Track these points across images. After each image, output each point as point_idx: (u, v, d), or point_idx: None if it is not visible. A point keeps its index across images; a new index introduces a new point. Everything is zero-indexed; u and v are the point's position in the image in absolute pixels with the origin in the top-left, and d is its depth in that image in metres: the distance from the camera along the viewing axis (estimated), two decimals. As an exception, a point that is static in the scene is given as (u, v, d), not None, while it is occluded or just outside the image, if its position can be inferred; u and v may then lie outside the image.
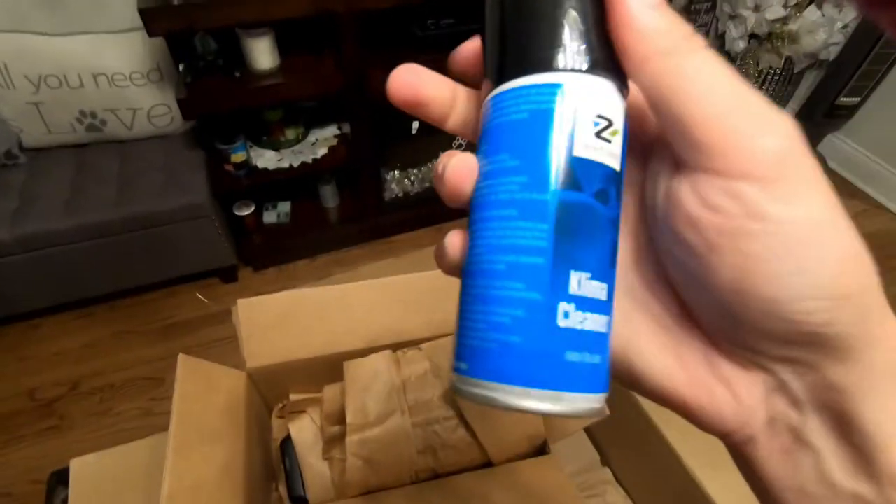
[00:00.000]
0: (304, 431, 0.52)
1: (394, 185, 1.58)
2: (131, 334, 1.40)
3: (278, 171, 1.41)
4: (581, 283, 0.15)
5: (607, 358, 0.16)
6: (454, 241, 0.17)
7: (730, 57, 1.86)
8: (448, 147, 1.54)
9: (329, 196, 1.57)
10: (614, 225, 0.15)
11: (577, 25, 0.15)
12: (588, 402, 0.15)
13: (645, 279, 0.17)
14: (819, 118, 1.87)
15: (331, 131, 1.53)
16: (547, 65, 0.15)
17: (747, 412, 0.15)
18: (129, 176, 1.29)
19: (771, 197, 0.12)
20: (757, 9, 1.73)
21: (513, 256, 0.15)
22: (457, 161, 0.17)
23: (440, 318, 0.53)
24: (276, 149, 1.46)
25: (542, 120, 0.15)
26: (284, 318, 0.51)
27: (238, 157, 1.32)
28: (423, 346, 0.52)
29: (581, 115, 0.15)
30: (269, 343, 0.50)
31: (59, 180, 1.27)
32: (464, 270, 0.16)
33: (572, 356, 0.14)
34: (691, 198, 0.13)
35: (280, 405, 0.56)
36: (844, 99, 1.79)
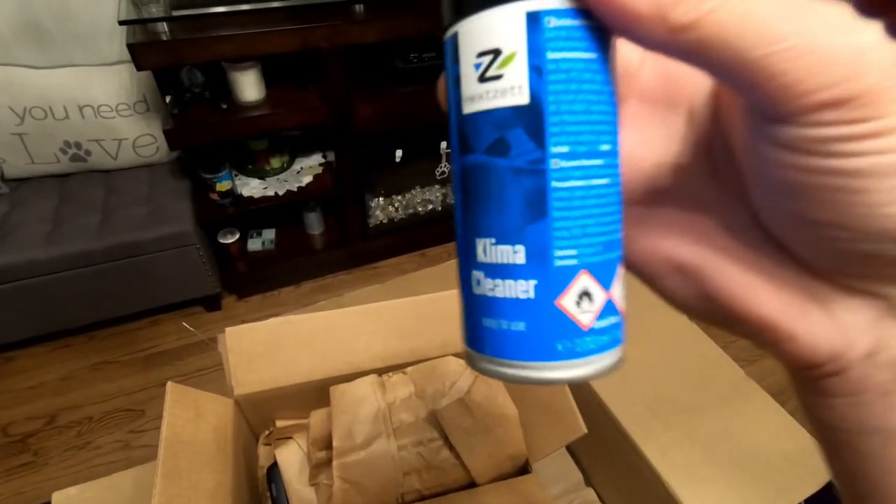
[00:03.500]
0: (291, 457, 0.52)
1: (378, 212, 1.60)
2: (111, 365, 1.38)
3: (263, 199, 1.42)
4: (486, 249, 0.14)
5: (545, 321, 0.14)
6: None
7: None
8: (431, 175, 1.58)
9: (314, 223, 1.59)
10: (529, 171, 0.13)
11: None
12: (513, 368, 0.14)
13: (724, 198, 0.15)
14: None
15: (315, 159, 1.56)
16: (446, 18, 0.14)
17: (847, 339, 0.13)
18: (113, 205, 1.30)
19: (875, 132, 0.11)
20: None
21: (455, 227, 0.15)
22: None
23: (424, 343, 0.55)
24: (262, 177, 1.48)
25: (450, 79, 0.14)
26: (271, 345, 0.52)
27: (223, 185, 1.34)
28: (408, 370, 0.54)
29: (464, 64, 0.13)
30: (256, 371, 0.51)
31: (42, 210, 1.27)
32: None
33: (488, 322, 0.14)
34: (782, 150, 0.12)
35: (267, 432, 0.56)
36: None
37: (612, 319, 0.14)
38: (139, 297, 1.37)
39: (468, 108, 0.13)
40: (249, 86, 1.21)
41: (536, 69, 0.12)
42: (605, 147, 0.14)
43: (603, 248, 0.14)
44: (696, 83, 0.15)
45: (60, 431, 1.25)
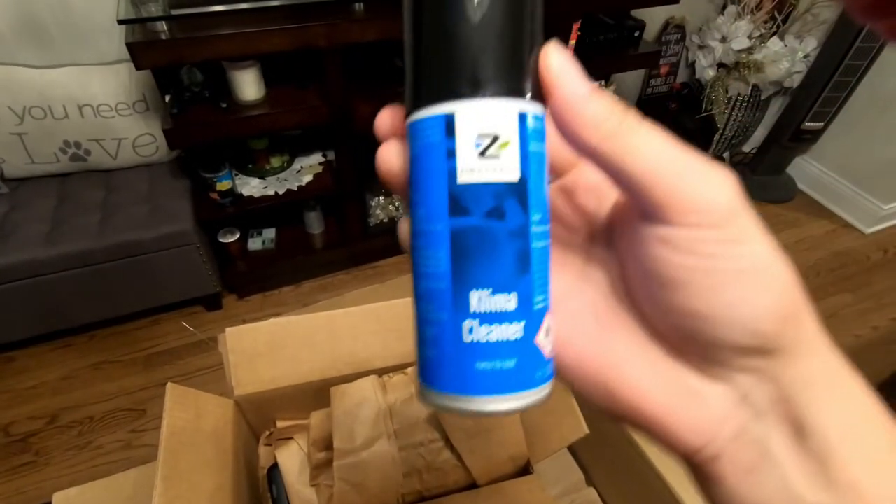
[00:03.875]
0: (292, 458, 0.52)
1: (378, 211, 1.60)
2: (112, 365, 1.38)
3: (263, 198, 1.42)
4: (482, 299, 0.16)
5: (529, 356, 0.16)
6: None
7: (700, 84, 1.95)
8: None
9: (314, 222, 1.59)
10: (519, 234, 0.16)
11: (457, 53, 0.15)
12: (502, 402, 0.16)
13: (619, 309, 0.19)
14: (786, 142, 1.95)
15: (315, 159, 1.56)
16: (432, 97, 0.16)
17: (716, 426, 0.16)
18: (112, 205, 1.29)
19: (726, 239, 0.15)
20: (724, 40, 1.82)
21: (425, 282, 0.17)
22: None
23: (425, 343, 0.55)
24: (262, 177, 1.47)
25: (428, 154, 0.16)
26: (271, 345, 0.52)
27: (223, 185, 1.34)
28: (408, 370, 0.54)
29: (461, 140, 0.15)
30: (257, 371, 0.51)
31: (42, 210, 1.27)
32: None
33: (483, 365, 0.16)
34: (660, 244, 0.15)
35: (267, 433, 0.56)
36: (809, 124, 1.87)
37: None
38: (139, 297, 1.37)
39: (466, 178, 0.16)
40: (249, 85, 1.21)
41: (524, 156, 0.16)
42: (546, 216, 0.17)
43: (549, 294, 0.17)
44: (599, 209, 0.19)
45: (61, 431, 1.25)
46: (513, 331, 0.16)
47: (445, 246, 0.16)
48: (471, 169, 0.15)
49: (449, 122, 0.16)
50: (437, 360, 0.17)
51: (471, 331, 0.16)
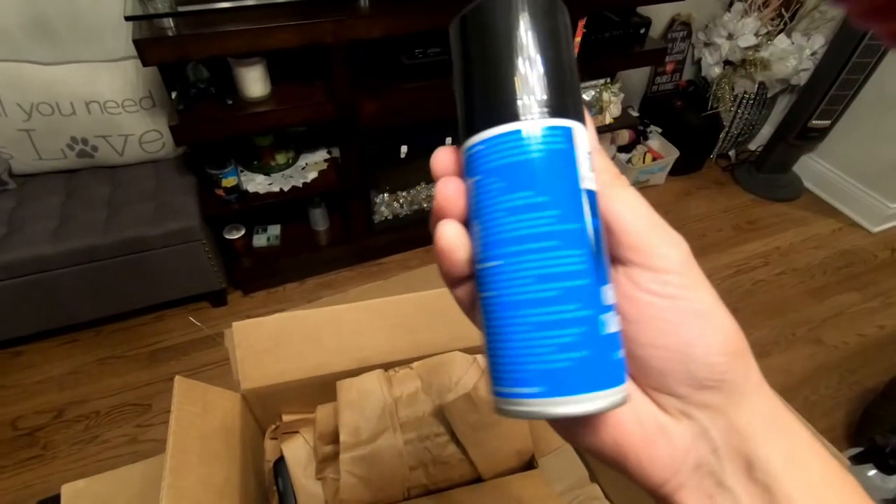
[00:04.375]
0: (298, 451, 0.53)
1: (383, 208, 1.60)
2: (118, 360, 1.39)
3: (269, 195, 1.42)
4: (608, 293, 0.18)
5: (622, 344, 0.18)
6: (452, 233, 0.19)
7: (706, 82, 1.94)
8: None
9: (319, 219, 1.59)
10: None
11: (573, 78, 0.18)
12: (626, 389, 0.18)
13: None
14: (792, 140, 1.94)
15: (321, 155, 1.56)
16: (559, 111, 0.18)
17: (680, 459, 0.19)
18: (119, 201, 1.30)
19: (685, 284, 0.18)
20: (730, 37, 1.81)
21: (564, 282, 0.17)
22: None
23: (429, 339, 0.55)
24: (267, 173, 1.48)
25: (562, 158, 0.17)
26: (278, 340, 0.52)
27: (229, 181, 1.34)
28: (414, 364, 0.54)
29: (581, 153, 0.18)
30: (263, 365, 0.51)
31: (49, 206, 1.27)
32: (500, 302, 0.18)
33: (617, 355, 0.18)
34: (628, 283, 0.18)
35: (273, 426, 0.57)
36: (816, 122, 1.86)
37: None
38: (145, 293, 1.38)
39: (588, 185, 0.18)
40: (255, 81, 1.21)
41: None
42: None
43: None
44: None
45: (68, 425, 1.26)
46: (618, 319, 0.18)
47: (587, 244, 0.17)
48: (589, 177, 0.18)
49: (568, 134, 0.18)
50: (588, 360, 0.17)
51: (607, 323, 0.17)
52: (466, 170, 0.19)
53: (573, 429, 0.20)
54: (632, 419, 0.19)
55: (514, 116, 0.17)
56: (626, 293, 0.18)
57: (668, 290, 0.18)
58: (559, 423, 0.21)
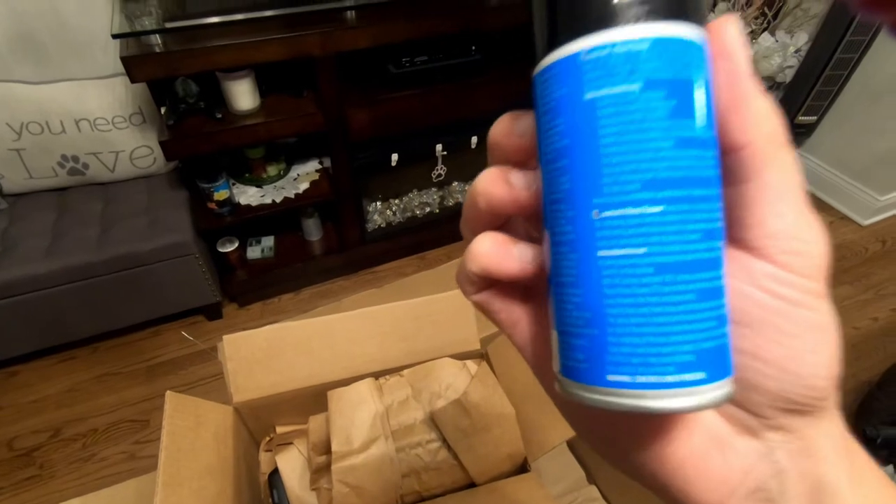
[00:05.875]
0: (292, 463, 0.53)
1: (376, 216, 1.60)
2: (115, 376, 1.39)
3: (261, 206, 1.43)
4: None
5: None
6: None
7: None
8: (427, 178, 1.58)
9: (312, 229, 1.59)
10: None
11: None
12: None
13: None
14: (780, 136, 1.96)
15: (312, 166, 1.57)
16: (696, 17, 0.13)
17: (737, 481, 0.16)
18: (111, 217, 1.30)
19: (808, 289, 0.14)
20: (714, 37, 1.83)
21: (719, 240, 0.14)
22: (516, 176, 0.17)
23: (421, 345, 0.55)
24: (259, 185, 1.48)
25: (700, 80, 0.13)
26: (269, 351, 0.53)
27: (221, 194, 1.34)
28: (404, 372, 0.54)
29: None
30: (255, 377, 0.52)
31: (41, 224, 1.27)
32: (653, 263, 0.13)
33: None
34: (741, 272, 0.15)
35: (267, 438, 0.57)
36: (802, 118, 1.88)
37: None
38: (140, 308, 1.38)
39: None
40: (244, 95, 1.22)
41: None
42: None
43: None
44: None
45: (66, 444, 1.25)
46: None
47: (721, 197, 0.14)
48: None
49: (701, 51, 0.14)
50: (726, 338, 0.15)
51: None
52: (598, 74, 0.13)
53: (636, 432, 0.17)
54: (682, 434, 0.16)
55: (703, 18, 0.13)
56: (735, 289, 0.15)
57: (790, 293, 0.14)
58: (647, 419, 0.17)
